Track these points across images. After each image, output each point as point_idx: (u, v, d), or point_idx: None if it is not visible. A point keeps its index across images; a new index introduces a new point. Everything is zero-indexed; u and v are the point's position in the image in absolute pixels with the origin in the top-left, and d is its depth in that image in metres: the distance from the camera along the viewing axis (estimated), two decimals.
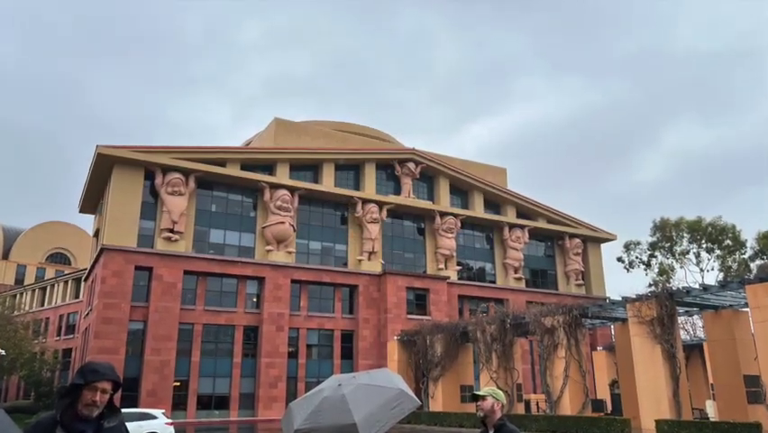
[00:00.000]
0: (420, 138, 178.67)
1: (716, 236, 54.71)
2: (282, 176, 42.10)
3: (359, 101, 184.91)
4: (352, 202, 44.50)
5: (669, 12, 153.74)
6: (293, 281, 40.87)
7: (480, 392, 4.87)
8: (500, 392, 4.92)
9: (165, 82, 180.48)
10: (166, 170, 38.10)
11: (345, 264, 43.79)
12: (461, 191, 50.90)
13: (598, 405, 27.64)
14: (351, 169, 46.56)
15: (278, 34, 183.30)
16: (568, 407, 24.85)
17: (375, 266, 43.88)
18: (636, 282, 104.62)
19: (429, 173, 49.30)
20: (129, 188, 37.17)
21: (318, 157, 44.26)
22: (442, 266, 46.75)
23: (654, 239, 57.27)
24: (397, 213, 46.92)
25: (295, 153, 43.28)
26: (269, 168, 42.56)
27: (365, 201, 44.57)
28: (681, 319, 29.54)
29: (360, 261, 43.79)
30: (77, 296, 52.55)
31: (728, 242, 54.68)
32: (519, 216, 52.13)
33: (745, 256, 54.37)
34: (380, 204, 45.05)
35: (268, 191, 41.08)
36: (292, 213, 41.63)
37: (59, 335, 52.15)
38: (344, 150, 45.98)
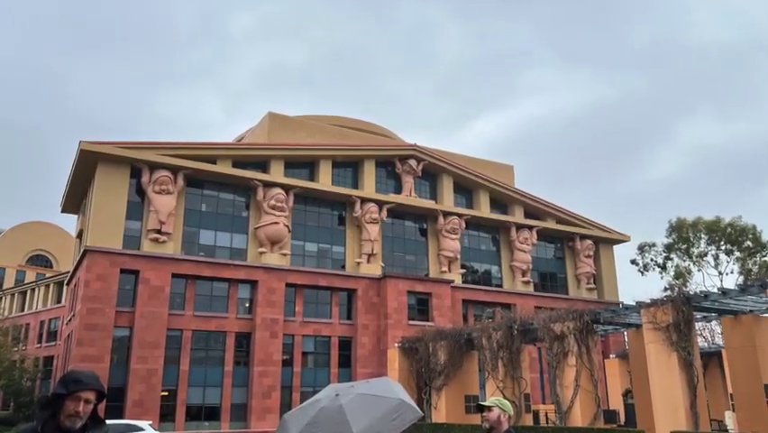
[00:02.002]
0: (422, 134, 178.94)
1: (735, 237, 54.76)
2: (276, 174, 42.11)
3: (357, 95, 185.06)
4: (351, 201, 44.51)
5: (684, 0, 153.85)
6: (288, 285, 40.86)
7: (486, 403, 4.88)
8: (507, 403, 4.93)
9: (152, 75, 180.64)
10: (153, 167, 38.10)
11: (343, 267, 43.80)
12: (465, 190, 50.91)
13: (610, 416, 27.62)
14: (349, 166, 46.56)
15: (272, 24, 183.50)
16: (579, 418, 24.84)
17: (374, 269, 43.89)
18: (651, 286, 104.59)
19: (432, 171, 49.30)
20: (114, 187, 37.17)
21: (314, 154, 44.27)
22: (445, 269, 46.76)
23: (670, 240, 57.36)
24: (398, 213, 46.91)
25: (290, 150, 43.29)
26: (262, 165, 42.56)
27: (364, 200, 44.57)
28: (698, 325, 29.54)
29: (358, 263, 43.80)
30: (59, 301, 52.57)
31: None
32: (527, 216, 52.14)
33: (767, 258, 54.42)
34: (380, 203, 45.05)
35: (261, 190, 41.08)
36: (287, 213, 41.64)
37: (39, 342, 52.18)
38: (342, 146, 46.00)
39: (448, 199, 48.91)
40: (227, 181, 41.13)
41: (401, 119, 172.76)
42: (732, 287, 22.73)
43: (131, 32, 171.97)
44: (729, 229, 54.82)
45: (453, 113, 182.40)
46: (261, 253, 40.63)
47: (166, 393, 35.92)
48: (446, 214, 47.68)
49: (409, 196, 47.04)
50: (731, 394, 25.49)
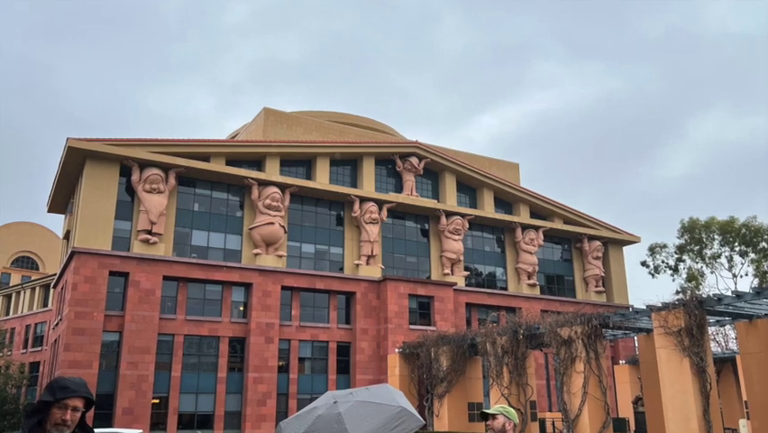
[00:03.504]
0: (424, 130, 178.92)
1: (750, 238, 54.80)
2: (272, 172, 42.13)
3: (356, 90, 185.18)
4: (349, 201, 44.54)
5: None
6: (284, 288, 40.89)
7: (491, 411, 4.89)
8: (512, 411, 4.93)
9: (143, 70, 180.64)
10: (143, 165, 38.14)
11: (341, 269, 43.82)
12: (469, 189, 50.95)
13: (620, 424, 27.63)
14: (347, 164, 46.59)
15: (267, 15, 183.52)
16: (587, 426, 24.85)
17: (374, 271, 43.91)
18: (662, 289, 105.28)
19: (434, 169, 49.33)
20: (103, 186, 37.19)
21: (311, 151, 44.29)
22: (448, 271, 46.78)
23: (682, 241, 57.41)
24: (399, 213, 46.94)
25: (286, 147, 43.31)
26: (257, 163, 42.59)
27: (363, 200, 44.60)
28: (711, 330, 29.57)
29: (357, 265, 43.82)
30: (45, 304, 52.58)
31: (764, 244, 54.78)
32: (533, 216, 52.17)
33: None
34: (380, 203, 45.08)
35: (256, 189, 41.11)
36: (283, 212, 41.66)
37: (25, 347, 52.19)
38: (340, 143, 46.02)
39: (451, 199, 48.92)
40: (221, 180, 41.14)
41: (402, 114, 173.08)
42: (747, 290, 22.74)
43: (121, 25, 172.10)
44: (744, 230, 54.86)
45: (456, 108, 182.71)
46: (256, 254, 40.64)
47: (157, 400, 35.95)
48: (449, 214, 47.70)
49: (410, 195, 47.05)
50: (746, 402, 25.49)
